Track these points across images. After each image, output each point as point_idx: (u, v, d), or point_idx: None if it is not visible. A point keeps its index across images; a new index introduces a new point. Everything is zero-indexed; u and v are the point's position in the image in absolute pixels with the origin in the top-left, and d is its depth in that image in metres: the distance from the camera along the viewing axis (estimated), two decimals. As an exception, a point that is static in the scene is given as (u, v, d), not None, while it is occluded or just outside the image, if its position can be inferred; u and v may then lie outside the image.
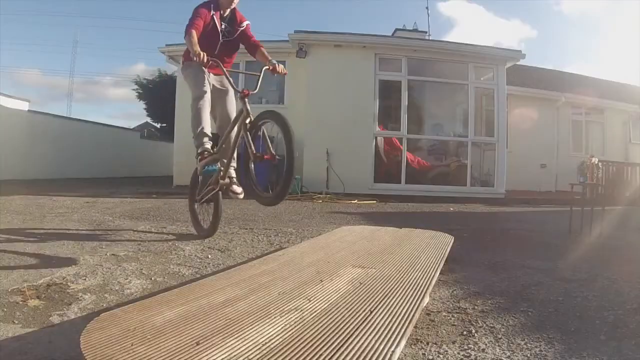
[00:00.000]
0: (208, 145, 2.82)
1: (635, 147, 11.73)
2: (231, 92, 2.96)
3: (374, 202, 7.02)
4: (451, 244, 2.62)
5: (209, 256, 2.69)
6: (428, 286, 1.66)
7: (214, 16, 2.78)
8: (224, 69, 2.72)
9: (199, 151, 2.81)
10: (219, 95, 2.95)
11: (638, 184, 4.38)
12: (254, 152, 2.52)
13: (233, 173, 2.86)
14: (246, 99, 2.60)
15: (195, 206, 3.25)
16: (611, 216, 4.42)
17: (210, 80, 2.88)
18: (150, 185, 9.12)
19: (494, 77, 8.39)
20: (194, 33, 2.63)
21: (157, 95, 19.24)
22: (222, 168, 2.81)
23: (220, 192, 2.94)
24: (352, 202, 6.85)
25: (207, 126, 2.81)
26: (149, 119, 24.20)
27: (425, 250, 2.37)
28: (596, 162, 4.23)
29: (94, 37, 53.96)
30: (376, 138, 8.05)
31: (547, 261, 2.84)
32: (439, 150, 8.98)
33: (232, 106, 2.98)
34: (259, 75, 2.73)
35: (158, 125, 23.79)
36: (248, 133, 2.56)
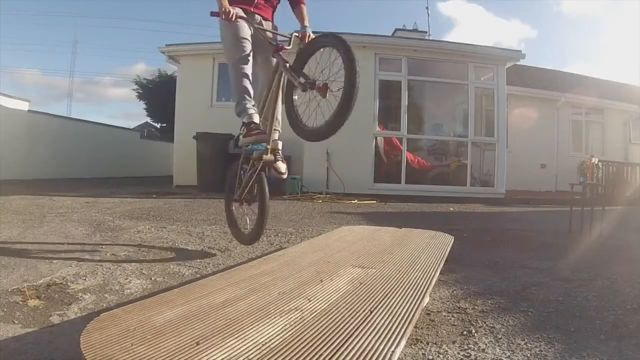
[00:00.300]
0: (253, 111, 2.28)
1: (635, 147, 11.73)
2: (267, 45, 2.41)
3: (374, 202, 7.02)
4: (451, 244, 2.62)
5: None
6: (428, 286, 1.66)
7: None
8: (260, 18, 2.38)
9: (244, 121, 2.28)
10: (259, 50, 2.43)
11: (638, 184, 4.38)
12: (302, 80, 2.06)
13: (279, 144, 2.37)
14: (281, 53, 2.27)
15: (233, 207, 2.69)
16: (611, 216, 4.42)
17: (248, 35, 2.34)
18: (150, 185, 9.11)
19: (494, 77, 8.39)
20: None
21: (157, 95, 19.26)
22: (268, 147, 2.32)
23: (263, 176, 2.41)
24: (352, 202, 6.85)
25: (251, 90, 2.31)
26: (149, 119, 24.22)
27: (425, 250, 2.37)
28: (596, 162, 4.24)
29: (94, 37, 53.99)
30: (376, 138, 8.06)
31: (547, 261, 2.84)
32: (439, 150, 8.99)
33: (269, 62, 2.46)
34: (289, 39, 2.33)
35: (158, 125, 23.80)
36: (290, 71, 2.16)
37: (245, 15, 2.28)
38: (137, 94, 21.25)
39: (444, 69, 8.41)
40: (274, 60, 2.35)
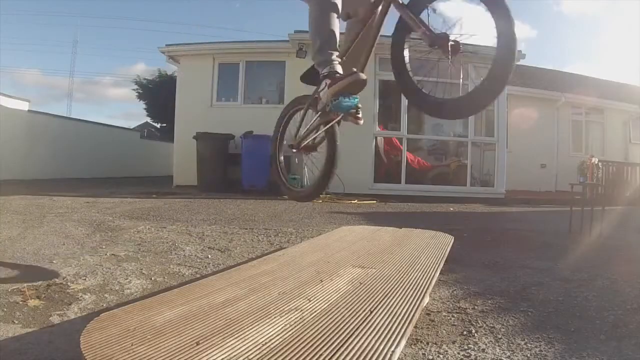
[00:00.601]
0: (337, 61, 1.81)
1: (635, 147, 11.73)
2: None
3: (374, 202, 7.02)
4: (451, 244, 2.62)
5: (209, 256, 2.69)
6: (428, 286, 1.66)
7: None
8: None
9: (324, 72, 1.79)
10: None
11: (638, 184, 4.38)
12: (424, 28, 1.59)
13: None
14: None
15: (281, 159, 2.33)
16: (611, 216, 4.42)
17: None
18: (150, 185, 9.11)
19: (494, 77, 8.38)
20: None
21: (157, 95, 19.26)
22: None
23: (337, 129, 1.95)
24: (352, 202, 6.85)
25: (336, 32, 1.79)
26: (149, 119, 24.23)
27: (425, 251, 2.37)
28: (596, 162, 4.24)
29: (94, 37, 54.01)
30: (376, 138, 8.05)
31: (547, 261, 2.84)
32: (439, 150, 8.99)
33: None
34: None
35: (158, 125, 23.81)
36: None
37: None
38: (137, 94, 21.27)
39: (444, 68, 8.39)
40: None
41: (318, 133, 2.02)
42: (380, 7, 1.74)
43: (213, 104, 8.96)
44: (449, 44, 1.58)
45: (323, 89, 1.78)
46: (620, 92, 12.44)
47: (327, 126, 1.93)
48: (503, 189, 8.17)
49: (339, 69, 1.79)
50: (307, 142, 2.08)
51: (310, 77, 1.98)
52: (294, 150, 2.17)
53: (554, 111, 11.17)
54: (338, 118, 1.87)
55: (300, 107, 2.15)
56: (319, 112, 1.93)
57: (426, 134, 9.09)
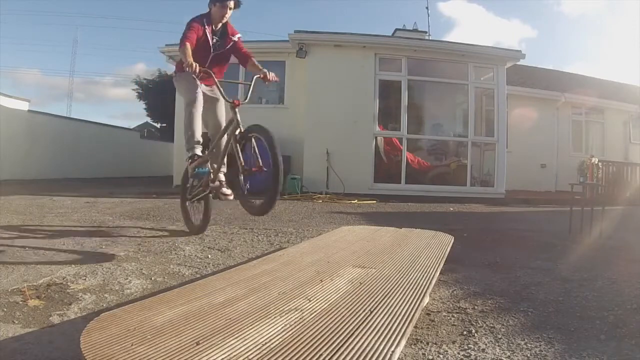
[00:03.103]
0: (198, 150, 2.94)
1: (635, 147, 11.73)
2: (222, 100, 3.03)
3: (374, 202, 7.02)
4: (451, 244, 2.62)
5: (209, 256, 2.69)
6: (428, 286, 1.66)
7: (206, 30, 2.89)
8: (215, 79, 2.81)
9: (189, 155, 2.93)
10: (210, 104, 3.04)
11: (638, 184, 4.39)
12: (243, 164, 2.65)
13: (222, 177, 2.99)
14: (237, 109, 2.69)
15: (187, 204, 3.39)
16: (611, 216, 4.42)
17: (202, 89, 2.98)
18: (150, 185, 9.12)
19: (494, 77, 8.38)
20: (188, 45, 2.73)
21: (157, 95, 19.26)
22: (211, 171, 2.94)
23: (210, 194, 3.09)
24: (352, 202, 6.85)
25: (198, 131, 2.92)
26: (149, 119, 24.24)
27: (425, 251, 2.37)
28: (596, 162, 4.24)
29: (94, 37, 53.95)
30: (376, 138, 8.05)
31: (547, 261, 2.84)
32: (439, 150, 8.98)
33: (222, 114, 3.09)
34: (250, 85, 2.86)
35: (158, 125, 23.83)
36: (237, 144, 2.67)
37: (206, 69, 2.74)
38: (137, 94, 21.27)
39: (444, 69, 8.40)
40: (229, 114, 2.82)
41: (199, 197, 3.19)
42: (231, 127, 2.79)
43: (213, 104, 8.95)
44: (251, 171, 2.66)
45: (189, 164, 2.97)
46: (620, 92, 12.45)
47: (203, 194, 3.12)
48: (503, 189, 8.17)
49: (199, 152, 2.95)
50: (194, 200, 3.30)
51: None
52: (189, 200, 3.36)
53: (554, 111, 11.17)
54: (207, 192, 3.05)
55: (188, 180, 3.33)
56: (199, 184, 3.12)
57: (426, 134, 9.09)
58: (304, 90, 8.11)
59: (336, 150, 7.74)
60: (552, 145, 11.04)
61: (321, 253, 2.25)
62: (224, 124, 2.99)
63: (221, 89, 2.93)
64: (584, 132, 11.68)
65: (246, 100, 2.76)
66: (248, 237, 3.41)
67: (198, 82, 2.89)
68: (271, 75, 2.93)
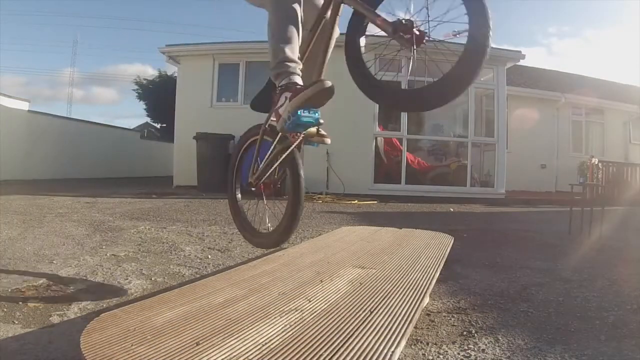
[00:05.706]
0: (298, 73, 1.57)
1: (635, 148, 11.74)
2: None
3: (374, 202, 7.02)
4: (451, 244, 2.62)
5: (209, 256, 2.69)
6: (428, 286, 1.66)
7: None
8: None
9: (282, 83, 1.54)
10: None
11: (638, 184, 4.39)
12: (383, 19, 1.46)
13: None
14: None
15: (239, 199, 2.14)
16: (611, 217, 4.42)
17: None
18: (150, 186, 9.11)
19: (494, 77, 8.39)
20: None
21: (157, 95, 19.29)
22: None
23: (297, 154, 1.76)
24: (352, 202, 6.85)
25: (297, 42, 1.59)
26: (149, 119, 24.26)
27: (426, 251, 2.36)
28: (596, 163, 4.24)
29: (94, 37, 54.01)
30: (376, 138, 8.06)
31: (547, 261, 2.84)
32: (439, 150, 8.99)
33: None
34: None
35: (158, 125, 23.83)
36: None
37: None
38: (137, 94, 21.30)
39: (444, 69, 8.40)
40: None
41: (277, 164, 1.73)
42: (329, 11, 1.57)
43: (213, 104, 8.97)
44: (414, 31, 1.40)
45: (282, 105, 1.51)
46: (620, 93, 12.46)
47: (286, 153, 1.68)
48: (503, 189, 8.18)
49: (298, 80, 1.55)
50: (265, 177, 1.80)
51: (262, 102, 1.75)
52: (253, 190, 1.91)
53: (554, 111, 11.18)
54: (298, 141, 1.65)
55: (256, 137, 1.86)
56: (278, 137, 1.69)
57: (426, 135, 9.10)
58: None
59: (336, 150, 7.73)
60: (552, 146, 11.05)
61: (321, 253, 2.25)
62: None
63: None
64: (584, 133, 11.69)
65: None
66: (248, 237, 3.41)
67: None
68: None
